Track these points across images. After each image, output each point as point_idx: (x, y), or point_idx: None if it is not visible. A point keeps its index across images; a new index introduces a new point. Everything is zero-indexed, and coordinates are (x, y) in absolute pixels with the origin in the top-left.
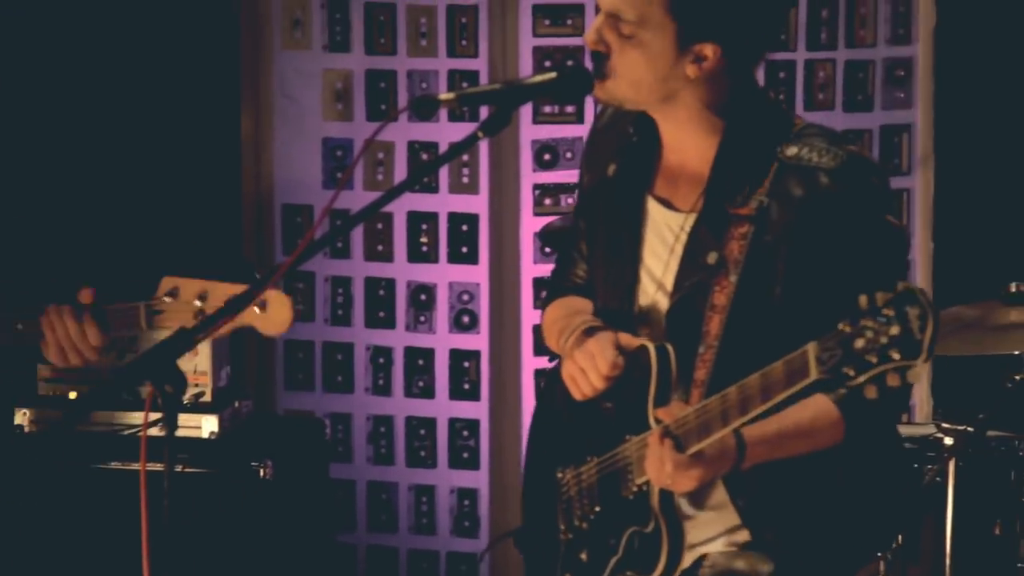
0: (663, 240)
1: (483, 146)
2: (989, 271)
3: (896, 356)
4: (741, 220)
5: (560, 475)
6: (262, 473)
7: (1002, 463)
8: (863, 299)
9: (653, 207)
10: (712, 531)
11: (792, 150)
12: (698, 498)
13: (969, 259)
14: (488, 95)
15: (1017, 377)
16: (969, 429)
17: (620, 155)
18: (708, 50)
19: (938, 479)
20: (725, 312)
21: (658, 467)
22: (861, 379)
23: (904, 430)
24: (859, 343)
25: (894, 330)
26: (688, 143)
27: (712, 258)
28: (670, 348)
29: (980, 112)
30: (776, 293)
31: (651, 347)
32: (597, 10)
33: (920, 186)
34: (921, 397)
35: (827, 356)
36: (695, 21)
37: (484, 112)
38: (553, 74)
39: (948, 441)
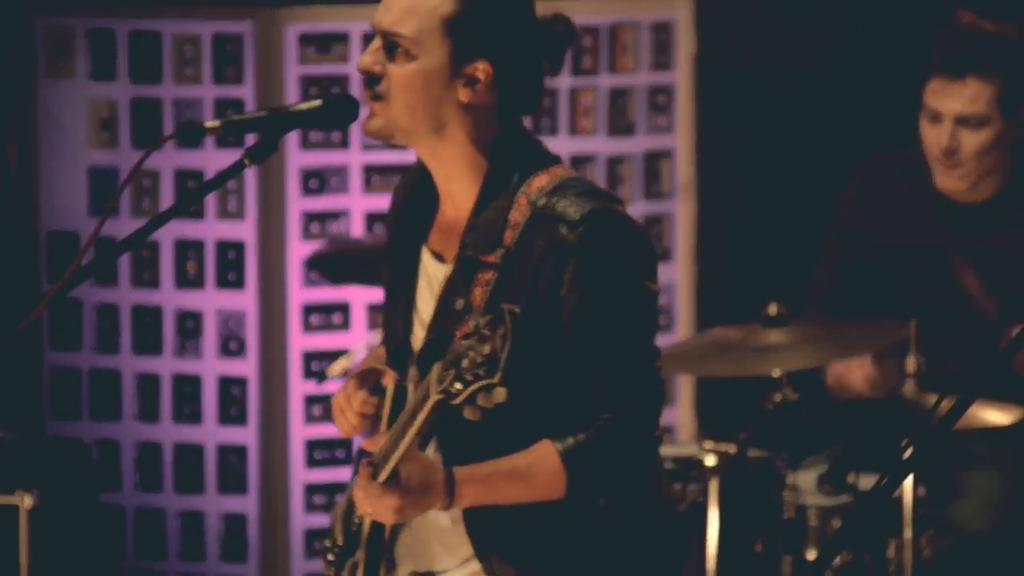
0: (432, 291)
1: (250, 173)
2: (750, 294)
3: (483, 374)
4: (487, 267)
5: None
6: (27, 502)
7: (763, 482)
8: (471, 323)
9: (426, 259)
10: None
11: (544, 200)
12: (443, 536)
13: (731, 282)
14: (254, 122)
15: (777, 397)
16: (731, 449)
17: (404, 208)
18: (481, 70)
19: (700, 499)
20: None
21: (359, 496)
22: (460, 398)
23: (667, 451)
24: (465, 362)
25: (486, 349)
26: (455, 187)
27: (459, 304)
28: (409, 387)
29: (740, 137)
30: (510, 345)
31: (389, 386)
32: (365, 40)
33: (682, 211)
34: (684, 418)
35: (444, 375)
36: (470, 38)
37: (251, 139)
38: (319, 102)
39: (710, 461)
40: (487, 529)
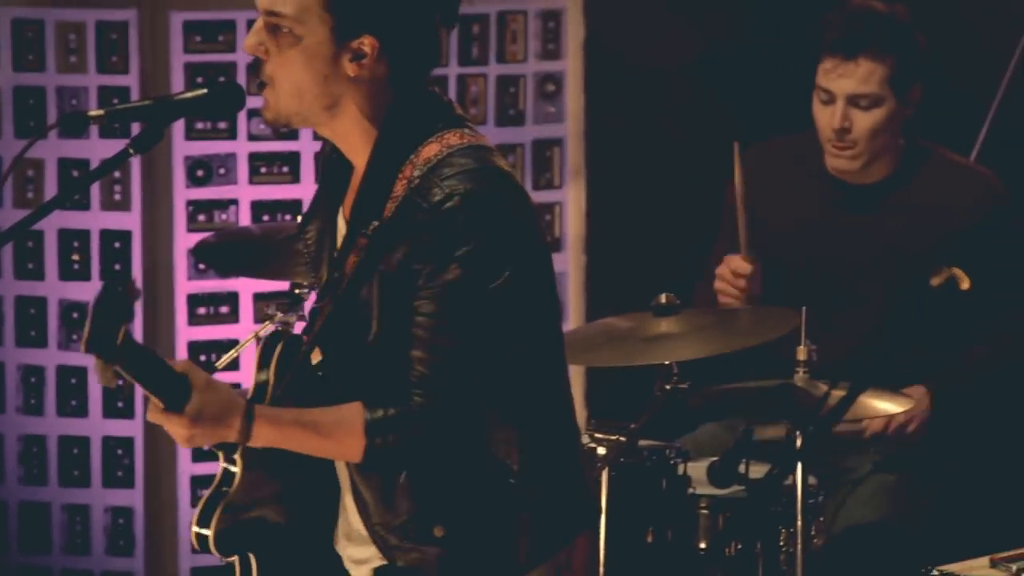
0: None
1: (135, 163)
2: (640, 283)
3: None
4: (361, 240)
5: None
6: None
7: (654, 472)
8: None
9: (341, 225)
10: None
11: (421, 175)
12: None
13: (621, 271)
14: (138, 111)
15: (668, 387)
16: (621, 439)
17: (325, 175)
18: (366, 44)
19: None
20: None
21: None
22: None
23: None
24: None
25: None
26: (358, 159)
27: (337, 274)
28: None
29: (630, 125)
30: (368, 317)
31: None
32: (249, 27)
33: (572, 200)
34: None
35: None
36: (351, 13)
37: (136, 128)
38: (204, 90)
39: (601, 451)
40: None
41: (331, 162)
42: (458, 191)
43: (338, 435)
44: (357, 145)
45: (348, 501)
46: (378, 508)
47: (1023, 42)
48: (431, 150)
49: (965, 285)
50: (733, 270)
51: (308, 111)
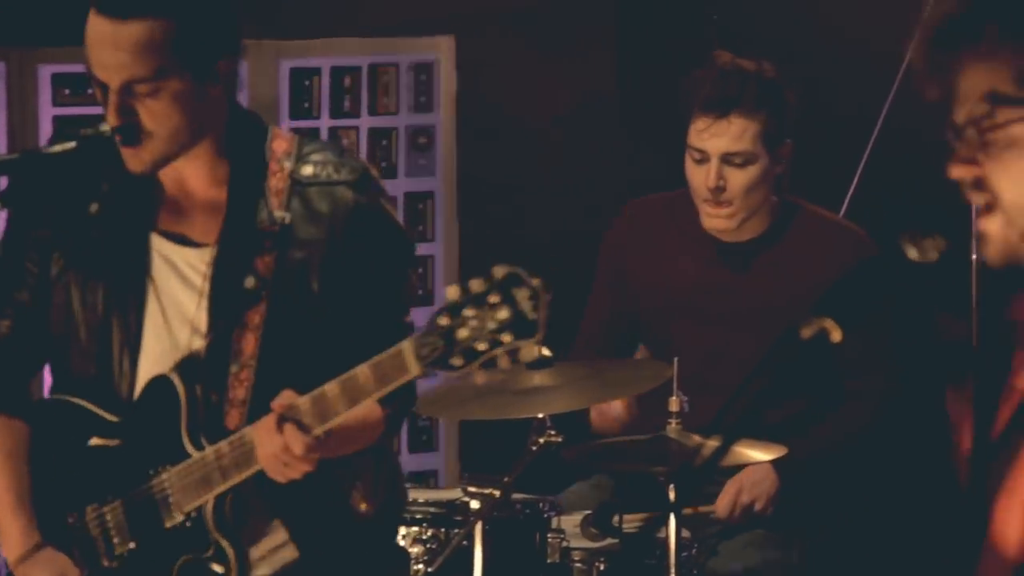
0: (185, 279)
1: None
2: None
3: (507, 339)
4: (266, 239)
5: (72, 519)
6: None
7: (528, 525)
8: (454, 290)
9: (162, 244)
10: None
11: (307, 169)
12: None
13: None
14: (7, 165)
15: (541, 440)
16: (495, 493)
17: (102, 191)
18: (223, 66)
19: (465, 543)
20: (259, 331)
21: (278, 454)
22: (473, 366)
23: (430, 495)
24: (463, 333)
25: (503, 314)
26: (192, 170)
27: (250, 282)
28: (175, 378)
29: (502, 178)
30: (311, 309)
31: (174, 378)
32: None
33: (444, 253)
34: (448, 461)
35: (427, 351)
36: (199, 49)
37: (3, 182)
38: (73, 143)
39: (474, 505)
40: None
41: (113, 184)
42: (358, 165)
43: (371, 423)
44: (198, 156)
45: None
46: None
47: (890, 99)
48: (280, 144)
49: (836, 337)
50: (614, 417)
51: (183, 148)
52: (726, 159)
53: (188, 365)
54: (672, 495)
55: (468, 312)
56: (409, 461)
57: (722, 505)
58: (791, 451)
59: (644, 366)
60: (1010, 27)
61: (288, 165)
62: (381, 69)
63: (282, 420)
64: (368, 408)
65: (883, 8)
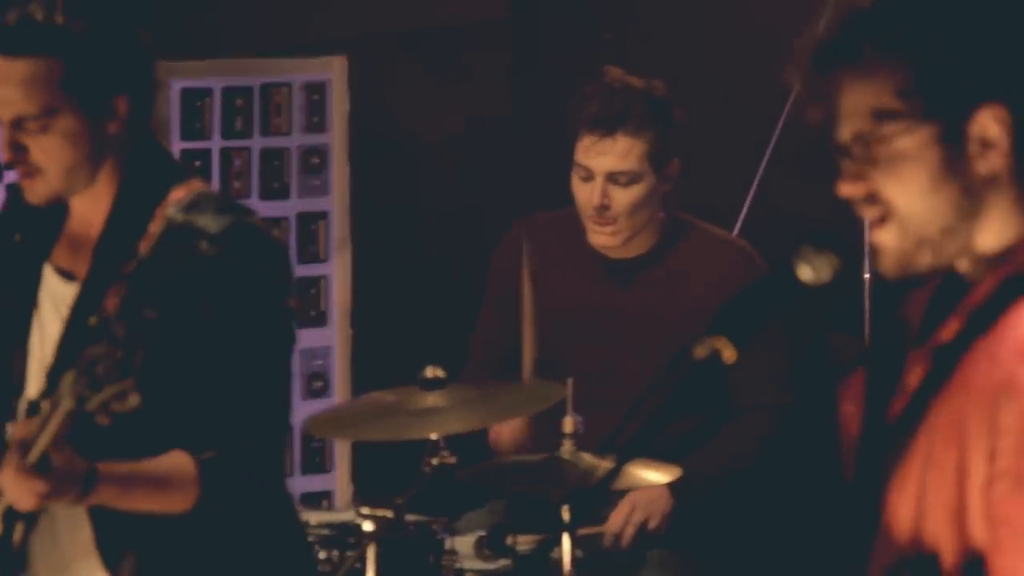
0: (59, 313)
1: None
2: (407, 357)
3: (115, 380)
4: (120, 281)
5: None
6: None
7: (421, 547)
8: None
9: (50, 278)
10: None
11: (182, 215)
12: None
13: (387, 345)
14: None
15: (435, 461)
16: (388, 514)
17: (28, 222)
18: (120, 103)
19: (358, 565)
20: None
21: (7, 478)
22: (93, 404)
23: (323, 517)
24: (100, 368)
25: (119, 355)
26: (90, 204)
27: (92, 320)
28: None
29: (396, 198)
30: (147, 354)
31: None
32: None
33: (338, 273)
34: (341, 483)
35: (80, 383)
36: (93, 85)
37: None
38: None
39: (368, 527)
40: (118, 545)
41: (33, 214)
42: (233, 221)
43: (175, 483)
44: (101, 196)
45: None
46: None
47: (783, 118)
48: (178, 194)
49: (729, 356)
50: (511, 436)
51: (79, 183)
52: (611, 177)
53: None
54: (566, 516)
55: (95, 349)
56: (302, 483)
57: (615, 523)
58: (685, 470)
59: (538, 387)
60: (885, 43)
61: (171, 212)
62: (273, 89)
63: (15, 445)
64: (161, 461)
65: (775, 29)
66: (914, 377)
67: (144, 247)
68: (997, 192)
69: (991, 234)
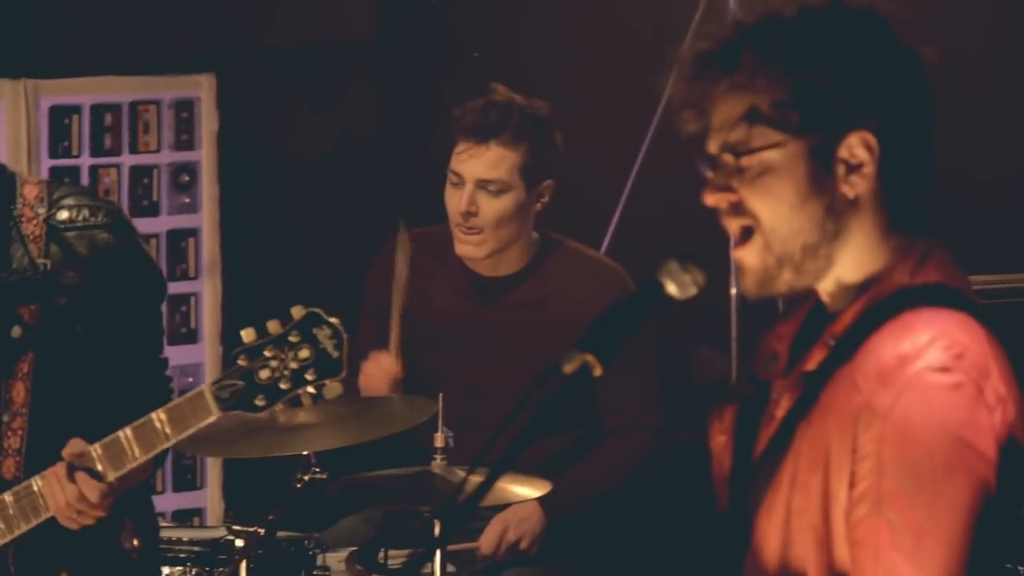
0: None
1: None
2: None
3: (311, 377)
4: (28, 287)
5: None
6: None
7: (293, 563)
8: (250, 332)
9: None
10: None
11: (63, 214)
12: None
13: None
14: None
15: (306, 477)
16: (260, 530)
17: None
18: None
19: None
20: (28, 379)
21: (72, 503)
22: (276, 405)
23: (195, 534)
24: (265, 373)
25: (305, 353)
26: None
27: (16, 331)
28: None
29: (265, 214)
30: (78, 353)
31: None
32: None
33: (208, 290)
34: (212, 500)
35: (228, 393)
36: None
37: None
38: None
39: (239, 543)
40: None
41: None
42: (110, 207)
43: None
44: None
45: None
46: None
47: (647, 142)
48: (31, 191)
49: (598, 372)
50: (383, 369)
51: None
52: (481, 185)
53: None
54: (437, 531)
55: (268, 352)
56: (173, 500)
57: (487, 542)
58: (556, 489)
59: (409, 402)
60: (765, 56)
61: (42, 211)
62: (142, 107)
63: (72, 469)
64: None
65: (643, 48)
66: (782, 406)
67: (36, 250)
68: (859, 217)
69: (853, 263)
